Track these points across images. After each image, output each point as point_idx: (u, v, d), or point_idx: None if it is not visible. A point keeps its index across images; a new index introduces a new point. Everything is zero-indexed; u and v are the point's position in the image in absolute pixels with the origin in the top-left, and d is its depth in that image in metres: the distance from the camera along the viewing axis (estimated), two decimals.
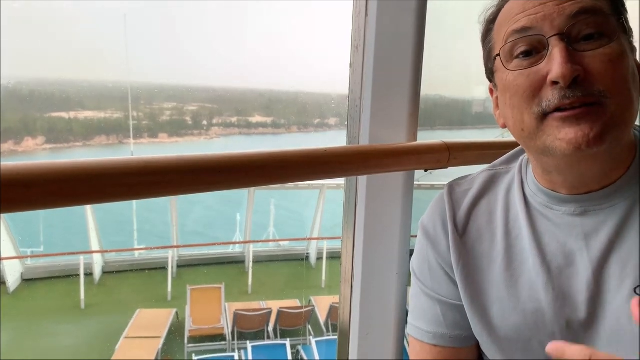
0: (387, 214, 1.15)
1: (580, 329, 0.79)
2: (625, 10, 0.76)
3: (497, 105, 0.84)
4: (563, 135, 0.70)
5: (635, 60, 0.76)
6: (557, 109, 0.70)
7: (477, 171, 0.98)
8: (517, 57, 0.75)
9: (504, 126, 0.82)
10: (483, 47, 0.84)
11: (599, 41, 0.70)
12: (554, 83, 0.70)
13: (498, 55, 0.77)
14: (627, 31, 0.75)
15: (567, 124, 0.70)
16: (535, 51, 0.73)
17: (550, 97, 0.70)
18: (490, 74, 0.83)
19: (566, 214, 0.80)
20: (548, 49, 0.71)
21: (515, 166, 0.91)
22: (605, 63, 0.69)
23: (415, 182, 1.18)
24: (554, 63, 0.69)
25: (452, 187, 0.96)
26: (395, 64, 1.10)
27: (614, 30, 0.71)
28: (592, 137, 0.68)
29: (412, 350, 0.98)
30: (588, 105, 0.69)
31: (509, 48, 0.75)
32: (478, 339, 0.90)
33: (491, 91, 0.86)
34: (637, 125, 0.83)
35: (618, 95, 0.70)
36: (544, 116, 0.72)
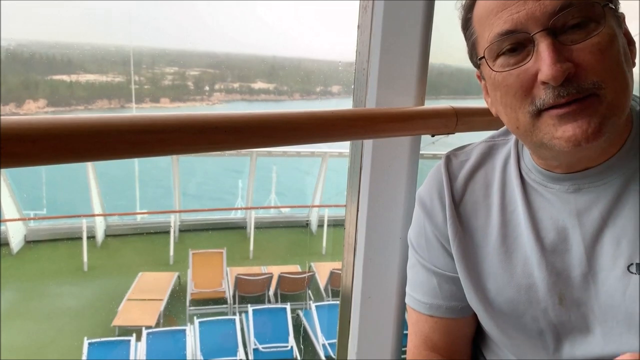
0: (392, 180, 1.15)
1: (573, 305, 0.79)
2: None
3: (487, 93, 0.82)
4: (560, 133, 0.68)
5: (625, 31, 0.73)
6: (552, 106, 0.68)
7: (474, 142, 0.96)
8: (502, 54, 0.72)
9: (497, 115, 0.80)
10: (465, 37, 0.81)
11: (586, 29, 0.68)
12: (545, 83, 0.68)
13: (483, 57, 0.75)
14: (613, 8, 0.71)
15: (563, 121, 0.68)
16: (521, 47, 0.70)
17: (544, 96, 0.68)
18: (476, 65, 0.81)
19: (560, 191, 0.79)
20: (534, 45, 0.68)
21: (513, 138, 0.90)
22: (596, 54, 0.67)
23: None
24: (543, 63, 0.67)
25: (449, 158, 0.95)
26: (405, 26, 1.07)
27: (600, 15, 0.68)
28: (590, 132, 0.67)
29: (409, 319, 1.00)
30: (583, 99, 0.67)
31: (493, 48, 0.73)
32: (476, 312, 0.91)
33: (479, 77, 0.84)
34: (635, 96, 0.81)
35: (613, 82, 0.68)
36: (538, 113, 0.70)
